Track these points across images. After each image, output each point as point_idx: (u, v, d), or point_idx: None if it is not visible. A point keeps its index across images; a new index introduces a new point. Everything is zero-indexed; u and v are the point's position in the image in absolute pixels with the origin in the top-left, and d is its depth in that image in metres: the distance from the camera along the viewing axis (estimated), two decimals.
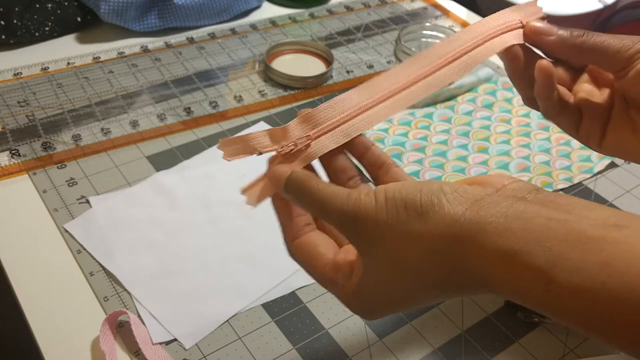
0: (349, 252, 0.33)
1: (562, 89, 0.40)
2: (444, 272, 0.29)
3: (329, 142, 0.34)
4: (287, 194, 0.33)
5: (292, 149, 0.33)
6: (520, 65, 0.38)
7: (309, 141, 0.34)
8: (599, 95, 0.40)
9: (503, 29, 0.37)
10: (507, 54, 0.38)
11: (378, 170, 0.36)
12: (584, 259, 0.25)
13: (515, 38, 0.38)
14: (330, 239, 0.34)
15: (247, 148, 0.34)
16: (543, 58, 0.39)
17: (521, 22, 0.38)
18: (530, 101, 0.41)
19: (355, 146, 0.36)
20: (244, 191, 0.34)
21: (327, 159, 0.35)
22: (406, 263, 0.29)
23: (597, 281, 0.24)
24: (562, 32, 0.37)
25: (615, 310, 0.24)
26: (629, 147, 0.38)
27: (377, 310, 0.32)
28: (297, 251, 0.34)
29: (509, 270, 0.26)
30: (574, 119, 0.40)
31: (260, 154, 0.34)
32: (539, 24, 0.38)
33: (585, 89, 0.40)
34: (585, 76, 0.41)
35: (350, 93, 0.35)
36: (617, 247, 0.25)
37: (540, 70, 0.37)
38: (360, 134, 0.35)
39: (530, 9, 0.39)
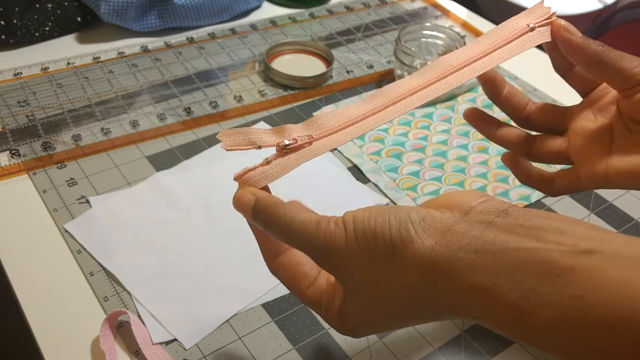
0: (330, 278, 0.33)
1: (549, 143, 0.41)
2: (419, 305, 0.29)
3: (329, 143, 0.34)
4: (255, 222, 0.32)
5: (292, 143, 0.33)
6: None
7: (312, 139, 0.34)
8: (592, 133, 0.39)
9: (514, 35, 0.38)
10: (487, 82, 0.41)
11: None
12: (557, 293, 0.25)
13: (540, 38, 0.38)
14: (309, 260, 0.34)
15: (247, 140, 0.33)
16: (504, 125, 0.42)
17: (528, 26, 0.38)
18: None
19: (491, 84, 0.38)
20: (238, 178, 0.34)
21: None
22: (381, 296, 0.29)
23: (571, 315, 0.24)
24: (585, 40, 0.37)
25: (589, 341, 0.24)
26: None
27: (360, 333, 0.32)
28: (279, 271, 0.34)
29: (483, 305, 0.26)
30: (572, 178, 0.40)
31: (260, 147, 0.33)
32: (569, 26, 0.38)
33: (582, 124, 0.40)
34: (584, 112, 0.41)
35: (356, 103, 0.35)
36: (588, 277, 0.24)
37: (505, 160, 0.41)
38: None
39: (540, 12, 0.39)
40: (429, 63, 0.37)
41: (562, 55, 0.39)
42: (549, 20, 0.38)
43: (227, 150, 0.33)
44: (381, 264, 0.28)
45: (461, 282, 0.27)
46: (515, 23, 0.38)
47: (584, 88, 0.41)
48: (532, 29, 0.38)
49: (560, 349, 0.25)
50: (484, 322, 0.27)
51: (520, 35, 0.38)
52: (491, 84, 0.41)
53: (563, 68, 0.41)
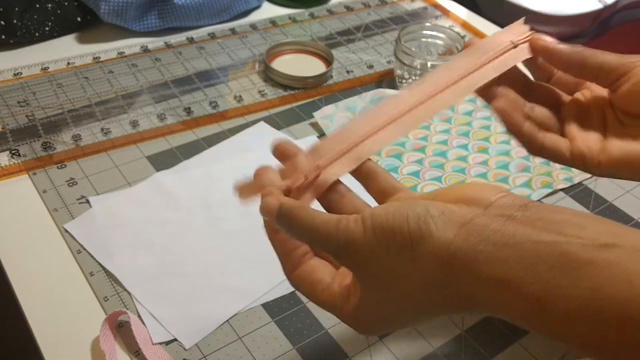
0: (346, 275, 0.33)
1: (543, 114, 0.41)
2: (437, 300, 0.29)
3: (338, 170, 0.35)
4: (279, 226, 0.33)
5: (303, 182, 0.34)
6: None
7: (319, 170, 0.34)
8: (593, 111, 0.40)
9: (497, 53, 0.39)
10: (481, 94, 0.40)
11: (385, 198, 0.35)
12: (576, 285, 0.25)
13: (522, 54, 0.39)
14: (327, 263, 0.35)
15: (260, 188, 0.35)
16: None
17: (512, 42, 0.39)
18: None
19: (362, 173, 0.36)
20: (238, 189, 0.35)
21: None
22: (398, 291, 0.29)
23: (590, 307, 0.24)
24: (563, 46, 0.39)
25: (607, 334, 0.24)
26: (635, 159, 0.38)
27: (375, 330, 0.33)
28: (298, 282, 0.34)
29: (503, 298, 0.26)
30: (560, 147, 0.40)
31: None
32: (545, 38, 0.39)
33: (577, 106, 0.41)
34: (572, 101, 0.42)
35: (355, 120, 0.36)
36: (607, 270, 0.24)
37: (497, 111, 0.39)
38: (370, 159, 0.36)
39: (520, 29, 0.40)
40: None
41: (540, 66, 0.41)
42: (528, 37, 0.40)
43: (245, 202, 0.35)
44: (399, 257, 0.29)
45: (480, 274, 0.27)
46: (499, 39, 0.39)
47: (567, 92, 0.42)
48: (515, 46, 0.39)
49: (578, 341, 0.25)
50: (501, 314, 0.27)
51: (505, 52, 0.39)
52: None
53: (543, 78, 0.42)
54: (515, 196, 0.29)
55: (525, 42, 0.39)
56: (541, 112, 0.41)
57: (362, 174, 0.36)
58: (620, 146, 0.38)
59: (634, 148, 0.38)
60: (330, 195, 0.36)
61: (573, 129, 0.40)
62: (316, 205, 0.35)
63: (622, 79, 0.37)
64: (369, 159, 0.36)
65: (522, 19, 0.40)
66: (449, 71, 0.38)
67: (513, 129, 0.40)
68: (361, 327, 0.33)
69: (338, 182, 0.36)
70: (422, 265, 0.28)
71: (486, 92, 0.40)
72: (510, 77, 0.40)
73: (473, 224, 0.27)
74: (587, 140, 0.39)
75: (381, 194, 0.36)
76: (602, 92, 0.40)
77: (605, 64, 0.37)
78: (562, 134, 0.41)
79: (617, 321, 0.24)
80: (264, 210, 0.33)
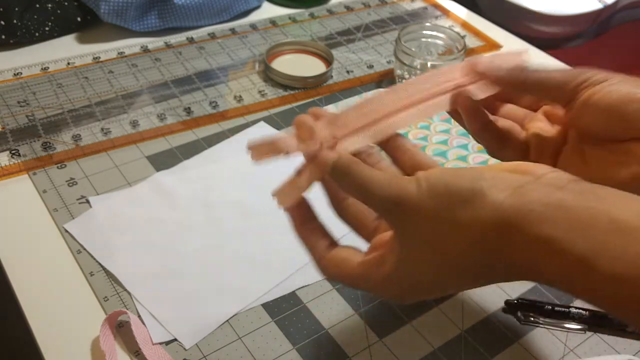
0: (376, 247, 0.34)
1: (510, 124, 0.41)
2: (484, 261, 0.29)
3: (354, 144, 0.35)
4: (332, 177, 0.33)
5: (317, 149, 0.34)
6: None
7: (335, 141, 0.34)
8: (552, 131, 0.40)
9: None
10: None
11: (395, 151, 0.36)
12: (626, 249, 0.25)
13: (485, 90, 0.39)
14: (353, 248, 0.35)
15: (275, 148, 0.34)
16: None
17: (456, 85, 0.38)
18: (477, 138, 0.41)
19: (389, 146, 0.36)
20: (276, 193, 0.35)
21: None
22: (446, 251, 0.30)
23: (637, 271, 0.25)
24: (506, 69, 0.37)
25: None
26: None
27: (409, 295, 0.33)
28: (327, 268, 0.35)
29: (550, 257, 0.27)
30: (520, 154, 0.40)
31: (287, 154, 0.34)
32: (486, 64, 0.38)
33: (538, 125, 0.40)
34: (539, 115, 0.41)
35: (380, 95, 0.35)
36: None
37: (461, 105, 0.38)
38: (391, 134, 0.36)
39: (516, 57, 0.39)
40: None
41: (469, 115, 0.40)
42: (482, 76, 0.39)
43: (256, 161, 0.35)
44: (450, 214, 0.29)
45: (530, 232, 0.27)
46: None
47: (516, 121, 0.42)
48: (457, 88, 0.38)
49: (622, 304, 0.26)
50: (546, 279, 0.28)
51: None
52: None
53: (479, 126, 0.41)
54: (566, 173, 0.29)
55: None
56: (505, 122, 0.41)
57: (390, 146, 0.36)
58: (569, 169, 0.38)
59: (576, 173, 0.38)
60: (392, 147, 0.36)
61: (532, 139, 0.40)
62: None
63: (575, 99, 0.36)
64: (398, 134, 0.36)
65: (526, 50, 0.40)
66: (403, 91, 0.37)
67: (475, 130, 0.40)
68: (395, 293, 0.33)
69: (400, 136, 0.36)
70: (471, 225, 0.28)
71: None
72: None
73: (525, 188, 0.28)
74: (543, 156, 0.39)
75: (413, 169, 0.36)
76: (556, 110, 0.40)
77: (547, 81, 0.36)
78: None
79: None
80: (320, 161, 0.33)
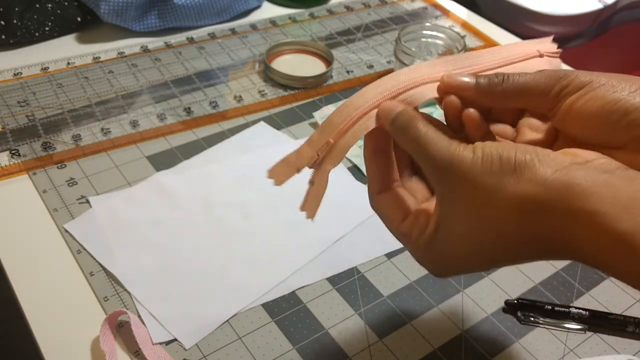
0: (427, 211, 0.34)
1: (501, 127, 0.39)
2: (526, 232, 0.29)
3: (350, 140, 0.35)
4: (392, 128, 0.34)
5: (317, 159, 0.35)
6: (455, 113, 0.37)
7: (330, 144, 0.35)
8: (542, 131, 0.38)
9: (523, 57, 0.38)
10: (446, 104, 0.36)
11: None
12: None
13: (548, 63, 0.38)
14: (412, 197, 0.36)
15: (290, 169, 0.35)
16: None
17: (539, 52, 0.38)
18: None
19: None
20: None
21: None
22: (491, 217, 0.30)
23: None
24: (481, 81, 0.35)
25: None
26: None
27: (445, 267, 0.33)
28: (379, 204, 0.36)
29: (592, 232, 0.27)
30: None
31: (299, 171, 0.35)
32: (454, 79, 0.35)
33: (531, 122, 0.39)
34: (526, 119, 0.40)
35: (363, 90, 0.35)
36: None
37: (467, 119, 0.35)
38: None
39: (546, 45, 0.39)
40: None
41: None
42: (556, 52, 0.39)
43: (280, 185, 0.36)
44: (498, 181, 0.29)
45: (574, 206, 0.27)
46: (523, 48, 0.38)
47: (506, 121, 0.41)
48: (542, 55, 0.38)
49: None
50: (588, 254, 0.28)
51: (529, 59, 0.38)
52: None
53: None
54: (615, 161, 0.29)
55: (550, 56, 0.38)
56: (498, 126, 0.40)
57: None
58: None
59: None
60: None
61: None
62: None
63: (557, 106, 0.34)
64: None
65: (551, 37, 0.39)
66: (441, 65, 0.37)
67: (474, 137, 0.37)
68: (431, 261, 0.33)
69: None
70: (519, 191, 0.29)
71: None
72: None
73: (573, 167, 0.28)
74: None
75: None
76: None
77: (526, 87, 0.34)
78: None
79: None
80: (383, 110, 0.34)
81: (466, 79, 0.35)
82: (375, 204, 0.37)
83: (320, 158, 0.35)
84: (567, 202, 0.28)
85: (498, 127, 0.40)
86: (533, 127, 0.39)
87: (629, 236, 0.26)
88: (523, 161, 0.29)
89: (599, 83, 0.33)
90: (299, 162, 0.35)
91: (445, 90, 0.36)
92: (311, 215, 0.36)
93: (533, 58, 0.38)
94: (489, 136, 0.36)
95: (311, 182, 0.36)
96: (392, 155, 0.37)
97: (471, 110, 0.35)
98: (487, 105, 0.37)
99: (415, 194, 0.37)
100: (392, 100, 0.35)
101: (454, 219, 0.31)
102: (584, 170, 0.28)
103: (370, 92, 0.35)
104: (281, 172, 0.36)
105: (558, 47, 0.39)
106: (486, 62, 0.37)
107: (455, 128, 0.37)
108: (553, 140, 0.38)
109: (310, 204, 0.36)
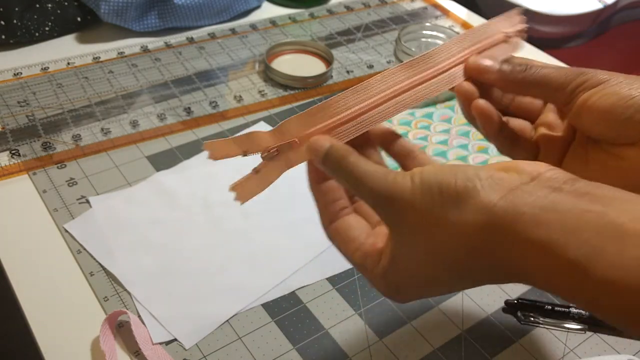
0: (379, 236, 0.33)
1: (521, 125, 0.40)
2: (476, 261, 0.28)
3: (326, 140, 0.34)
4: (324, 166, 0.33)
5: (273, 152, 0.33)
6: (468, 104, 0.38)
7: (307, 138, 0.34)
8: (560, 129, 0.39)
9: (488, 42, 0.38)
10: (458, 92, 0.38)
11: (405, 159, 0.36)
12: (622, 254, 0.24)
13: (512, 48, 0.38)
14: (364, 221, 0.35)
15: (232, 149, 0.34)
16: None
17: (505, 34, 0.38)
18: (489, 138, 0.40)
19: (380, 136, 0.36)
20: (233, 188, 0.35)
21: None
22: (438, 249, 0.29)
23: (634, 277, 0.24)
24: (505, 67, 0.36)
25: None
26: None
27: (405, 294, 0.32)
28: (333, 235, 0.35)
29: (544, 261, 0.26)
30: (531, 153, 0.39)
31: (245, 155, 0.34)
32: (481, 62, 0.37)
33: (550, 119, 0.40)
34: (550, 107, 0.40)
35: (343, 94, 0.34)
36: None
37: (476, 110, 0.37)
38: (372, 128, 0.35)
39: (514, 20, 0.39)
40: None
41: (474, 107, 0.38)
42: (523, 28, 0.38)
43: (214, 160, 0.34)
44: (442, 212, 0.28)
45: (523, 235, 0.26)
46: (494, 26, 0.38)
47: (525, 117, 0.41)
48: (508, 37, 0.38)
49: (618, 311, 0.25)
50: (540, 281, 0.27)
51: (496, 44, 0.38)
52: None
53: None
54: (565, 172, 0.28)
55: (518, 34, 0.38)
56: (516, 122, 0.40)
57: (378, 136, 0.36)
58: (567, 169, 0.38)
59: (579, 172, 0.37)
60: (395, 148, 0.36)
61: (542, 139, 0.39)
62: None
63: (572, 101, 0.35)
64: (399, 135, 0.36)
65: (517, 9, 0.39)
66: (429, 61, 0.36)
67: (490, 133, 0.38)
68: (390, 290, 0.32)
69: (401, 137, 0.36)
70: (464, 224, 0.28)
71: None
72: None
73: (520, 189, 0.27)
74: (549, 156, 0.39)
75: (400, 156, 0.36)
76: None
77: (546, 79, 0.35)
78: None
79: None
80: (312, 147, 0.33)
81: (489, 63, 0.36)
82: (329, 236, 0.35)
83: (277, 153, 0.33)
84: (515, 232, 0.26)
85: (516, 122, 0.41)
86: (551, 126, 0.39)
87: (580, 265, 0.25)
88: (465, 189, 0.28)
89: (617, 81, 0.33)
90: (251, 146, 0.34)
91: (469, 74, 0.37)
92: (242, 199, 0.35)
93: (499, 44, 0.38)
94: (506, 131, 0.38)
95: (256, 171, 0.34)
96: (336, 182, 0.35)
97: (480, 101, 0.36)
98: (506, 91, 0.38)
99: (368, 217, 0.35)
100: (322, 135, 0.33)
101: (405, 250, 0.30)
102: (530, 192, 0.27)
103: (350, 99, 0.34)
104: (223, 149, 0.34)
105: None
106: (450, 58, 0.37)
107: (470, 120, 0.38)
108: (570, 139, 0.38)
109: (246, 191, 0.34)
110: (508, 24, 0.39)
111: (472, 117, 0.38)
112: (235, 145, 0.34)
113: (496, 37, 0.38)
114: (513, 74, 0.36)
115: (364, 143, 0.36)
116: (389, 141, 0.37)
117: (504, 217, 0.27)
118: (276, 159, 0.34)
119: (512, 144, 0.39)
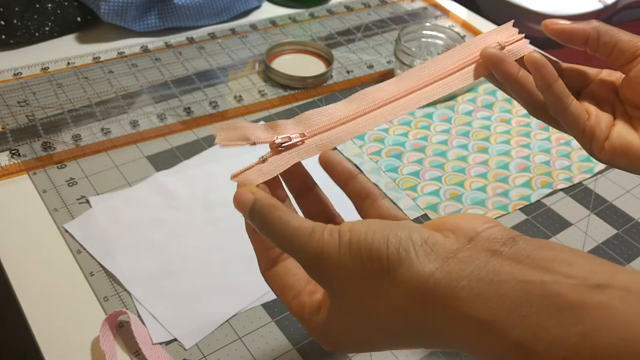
0: (319, 285, 0.32)
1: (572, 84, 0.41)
2: (410, 330, 0.27)
3: (321, 142, 0.34)
4: (252, 223, 0.31)
5: (286, 142, 0.33)
6: (514, 71, 0.38)
7: (303, 138, 0.34)
8: (607, 99, 0.40)
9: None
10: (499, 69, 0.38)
11: (363, 201, 0.34)
12: (564, 330, 0.23)
13: (513, 56, 0.39)
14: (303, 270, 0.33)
15: (242, 136, 0.33)
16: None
17: (498, 44, 0.38)
18: (534, 108, 0.40)
19: (339, 174, 0.34)
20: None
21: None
22: (369, 315, 0.28)
23: (580, 354, 0.22)
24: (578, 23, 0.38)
25: None
26: (633, 150, 0.38)
27: (344, 349, 0.31)
28: (270, 281, 0.33)
29: (484, 340, 0.25)
30: (581, 117, 0.39)
31: (254, 144, 0.33)
32: (563, 25, 0.39)
33: (594, 92, 0.40)
34: (592, 86, 0.41)
35: (339, 104, 0.35)
36: (598, 314, 0.23)
37: (530, 63, 0.37)
38: (345, 163, 0.35)
39: (508, 32, 0.39)
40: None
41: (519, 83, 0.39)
42: (518, 39, 0.39)
43: (222, 146, 0.33)
44: (373, 281, 0.27)
45: (461, 312, 0.25)
46: (485, 40, 0.39)
47: (576, 84, 0.42)
48: (503, 47, 0.38)
49: None
50: (481, 355, 0.26)
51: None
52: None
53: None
54: (503, 228, 0.27)
55: (512, 44, 0.39)
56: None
57: (337, 173, 0.35)
58: (621, 134, 0.38)
59: (633, 139, 0.38)
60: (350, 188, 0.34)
61: (591, 107, 0.39)
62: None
63: (632, 63, 0.37)
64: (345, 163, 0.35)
65: (511, 22, 0.40)
66: (432, 68, 0.38)
67: (544, 84, 0.37)
68: (328, 344, 0.31)
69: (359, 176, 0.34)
70: (397, 294, 0.26)
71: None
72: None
73: (456, 259, 0.26)
74: (601, 121, 0.39)
75: (358, 196, 0.34)
76: (615, 79, 0.40)
77: (618, 43, 0.37)
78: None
79: None
80: (237, 203, 0.31)
81: (544, 61, 0.37)
82: (267, 282, 0.34)
83: (289, 142, 0.33)
84: (452, 308, 0.25)
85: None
86: (600, 96, 0.40)
87: (522, 345, 0.23)
88: (397, 257, 0.26)
89: None
90: (262, 135, 0.33)
91: (555, 34, 0.39)
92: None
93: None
94: (558, 87, 0.38)
95: (264, 160, 0.33)
96: None
97: (535, 54, 0.37)
98: (579, 43, 0.39)
99: None
100: (244, 186, 0.32)
101: (339, 312, 0.29)
102: (467, 262, 0.25)
103: (344, 107, 0.35)
104: (232, 135, 0.33)
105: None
106: (443, 69, 0.38)
107: (514, 88, 0.39)
108: (621, 109, 0.40)
109: (247, 180, 0.33)
110: (502, 35, 0.39)
111: (519, 84, 0.39)
112: (248, 131, 0.33)
113: (492, 46, 0.39)
114: (590, 24, 0.38)
115: (304, 185, 0.35)
116: (348, 178, 0.34)
117: (440, 291, 0.25)
118: (286, 151, 0.33)
119: (562, 105, 0.38)
